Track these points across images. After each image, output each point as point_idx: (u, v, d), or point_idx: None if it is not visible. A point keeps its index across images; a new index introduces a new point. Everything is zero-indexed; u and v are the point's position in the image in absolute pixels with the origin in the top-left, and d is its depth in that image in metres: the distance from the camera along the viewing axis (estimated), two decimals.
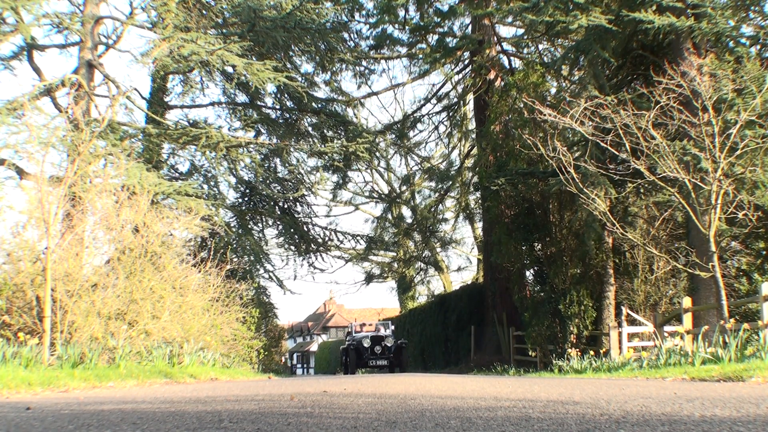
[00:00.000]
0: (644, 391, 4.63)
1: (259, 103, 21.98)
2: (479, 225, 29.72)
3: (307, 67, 23.86)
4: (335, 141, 22.16)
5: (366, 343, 22.44)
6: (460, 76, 25.86)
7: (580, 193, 12.46)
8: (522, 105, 16.55)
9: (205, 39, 17.59)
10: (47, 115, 15.79)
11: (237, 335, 15.04)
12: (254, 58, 19.14)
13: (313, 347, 54.01)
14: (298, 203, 23.55)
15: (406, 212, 31.71)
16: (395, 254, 32.11)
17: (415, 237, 31.13)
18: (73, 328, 9.61)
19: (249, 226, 21.65)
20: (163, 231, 12.14)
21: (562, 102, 15.34)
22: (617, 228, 12.30)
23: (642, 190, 15.38)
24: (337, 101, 24.34)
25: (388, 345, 22.49)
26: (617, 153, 12.96)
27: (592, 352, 14.04)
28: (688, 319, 12.18)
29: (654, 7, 13.72)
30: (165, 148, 19.72)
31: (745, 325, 9.44)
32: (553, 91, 20.22)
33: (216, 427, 2.89)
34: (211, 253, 13.72)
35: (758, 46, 14.43)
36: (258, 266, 21.30)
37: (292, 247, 24.14)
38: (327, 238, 24.27)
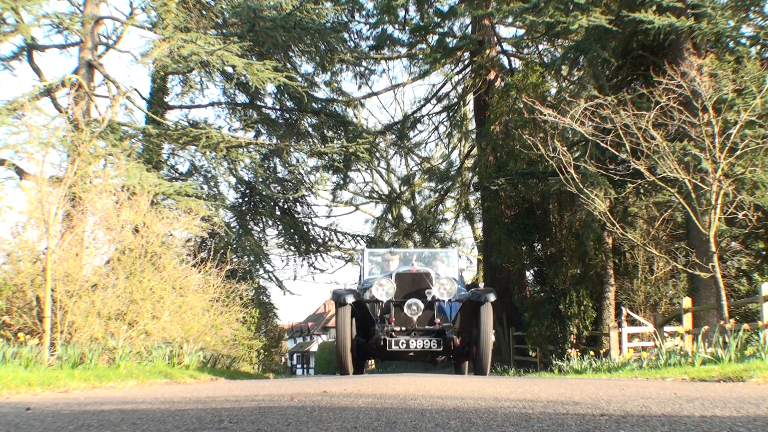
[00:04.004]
0: (644, 392, 4.63)
1: (259, 103, 21.98)
2: (479, 225, 29.70)
3: (307, 67, 23.90)
4: (335, 141, 22.16)
5: (381, 293, 9.24)
6: (460, 76, 25.89)
7: (580, 193, 12.47)
8: (522, 105, 16.57)
9: (205, 39, 17.59)
10: (47, 116, 15.80)
11: (237, 335, 15.04)
12: (254, 58, 19.14)
13: (313, 347, 54.00)
14: (298, 203, 23.56)
15: (406, 212, 31.69)
16: None
17: (415, 237, 31.11)
18: (73, 329, 9.61)
19: (249, 227, 21.63)
20: (163, 231, 12.12)
21: (562, 102, 15.36)
22: (617, 228, 12.31)
23: (642, 191, 15.39)
24: (337, 101, 24.35)
25: (443, 299, 9.31)
26: (617, 153, 12.96)
27: (592, 353, 14.05)
28: (688, 319, 12.19)
29: (654, 8, 13.73)
30: (165, 148, 19.72)
31: (745, 326, 9.44)
32: (553, 91, 20.25)
33: (216, 428, 2.89)
34: (211, 253, 13.70)
35: (758, 47, 14.44)
36: (258, 266, 21.28)
37: (292, 248, 24.12)
38: (327, 239, 24.26)
